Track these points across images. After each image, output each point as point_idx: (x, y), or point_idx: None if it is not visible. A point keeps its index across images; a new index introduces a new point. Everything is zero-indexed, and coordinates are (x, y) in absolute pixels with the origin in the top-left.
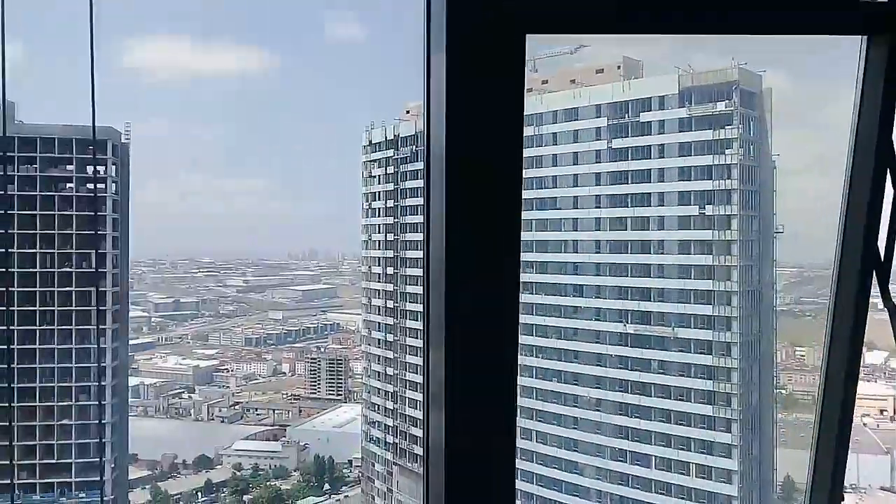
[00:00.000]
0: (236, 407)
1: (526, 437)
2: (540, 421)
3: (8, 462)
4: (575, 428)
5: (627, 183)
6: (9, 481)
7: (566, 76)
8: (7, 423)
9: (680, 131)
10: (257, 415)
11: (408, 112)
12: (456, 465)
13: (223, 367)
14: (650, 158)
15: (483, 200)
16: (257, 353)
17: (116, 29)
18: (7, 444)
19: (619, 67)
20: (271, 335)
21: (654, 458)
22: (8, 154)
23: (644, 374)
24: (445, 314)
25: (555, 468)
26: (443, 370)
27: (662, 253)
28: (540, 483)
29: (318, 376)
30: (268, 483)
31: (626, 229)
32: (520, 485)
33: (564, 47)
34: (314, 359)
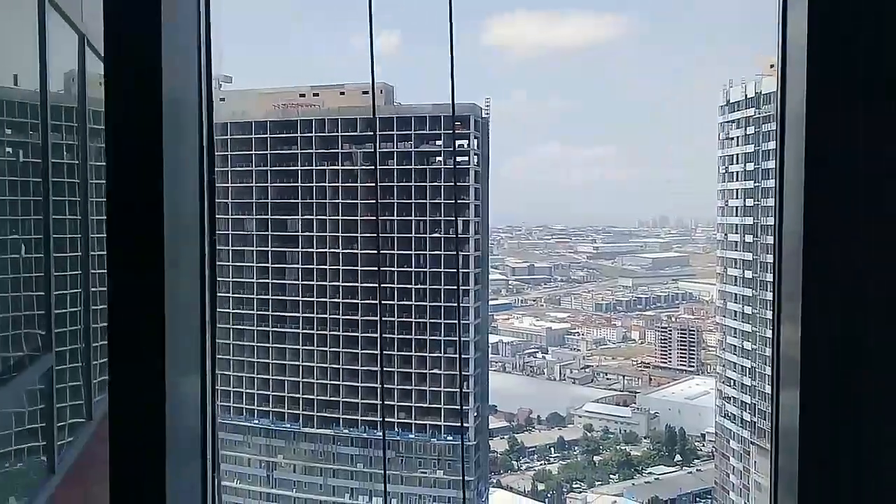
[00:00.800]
0: (586, 370)
1: None
2: None
3: (379, 401)
4: None
5: None
6: (380, 418)
7: None
8: (388, 369)
9: None
10: (607, 379)
11: (772, 66)
12: (812, 455)
13: (574, 331)
14: None
15: (849, 163)
16: (607, 318)
17: (478, 11)
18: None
19: None
20: (621, 302)
21: None
22: (389, 133)
23: None
24: (803, 287)
25: None
26: (798, 347)
27: None
28: None
29: (669, 346)
30: (618, 447)
31: None
32: None
33: None
34: (664, 328)
